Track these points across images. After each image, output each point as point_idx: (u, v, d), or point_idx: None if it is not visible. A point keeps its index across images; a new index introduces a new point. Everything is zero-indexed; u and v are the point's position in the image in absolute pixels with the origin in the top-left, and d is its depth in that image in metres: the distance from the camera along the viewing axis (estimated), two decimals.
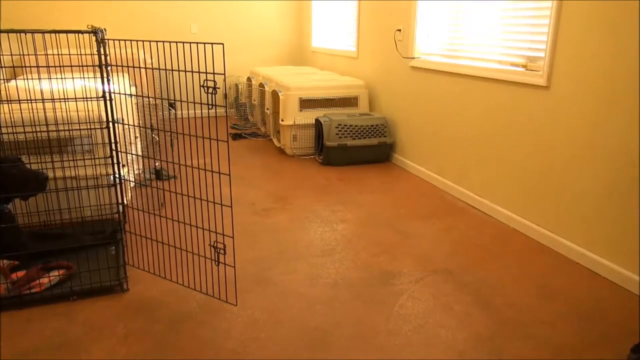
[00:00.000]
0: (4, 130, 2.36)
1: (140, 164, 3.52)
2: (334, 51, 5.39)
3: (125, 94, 2.42)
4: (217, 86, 1.69)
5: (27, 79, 2.97)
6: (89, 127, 2.54)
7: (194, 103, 1.77)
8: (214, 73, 1.70)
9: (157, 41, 1.88)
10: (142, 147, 3.75)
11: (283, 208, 3.08)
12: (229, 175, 2.21)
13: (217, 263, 2.00)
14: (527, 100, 2.65)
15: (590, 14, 2.25)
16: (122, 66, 2.04)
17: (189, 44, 5.05)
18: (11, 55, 2.19)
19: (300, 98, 4.19)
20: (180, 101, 5.18)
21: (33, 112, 2.41)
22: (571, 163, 2.42)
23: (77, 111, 2.50)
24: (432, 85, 3.51)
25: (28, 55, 2.21)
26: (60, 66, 2.24)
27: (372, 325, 1.89)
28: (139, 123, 3.76)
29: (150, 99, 4.28)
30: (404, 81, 3.89)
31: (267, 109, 4.69)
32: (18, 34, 1.80)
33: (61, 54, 2.78)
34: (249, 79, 5.40)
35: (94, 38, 1.87)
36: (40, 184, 2.15)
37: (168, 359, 1.69)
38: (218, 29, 5.99)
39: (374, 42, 4.41)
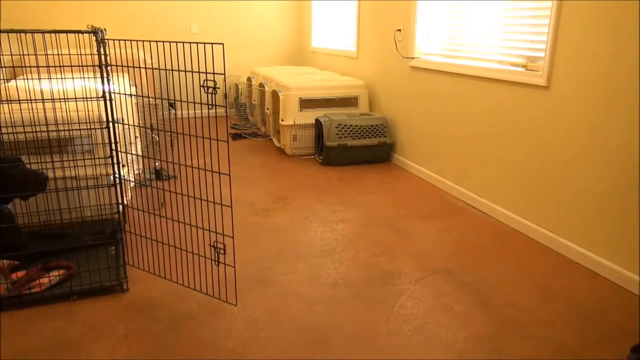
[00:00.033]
0: (4, 130, 2.36)
1: (140, 164, 3.52)
2: (334, 51, 5.39)
3: (125, 94, 2.42)
4: (217, 86, 1.69)
5: (27, 79, 2.97)
6: (89, 127, 2.54)
7: (194, 103, 1.77)
8: (214, 73, 1.70)
9: (157, 41, 1.88)
10: (142, 147, 3.75)
11: (283, 208, 3.08)
12: (229, 175, 2.21)
13: (217, 263, 2.00)
14: (527, 100, 2.65)
15: (590, 14, 2.25)
16: (122, 66, 2.04)
17: (189, 44, 5.05)
18: (11, 55, 2.19)
19: (300, 98, 4.19)
20: (180, 101, 5.18)
21: (33, 112, 2.41)
22: (571, 163, 2.42)
23: (77, 111, 2.50)
24: (432, 85, 3.51)
25: (28, 55, 2.21)
26: (60, 66, 2.24)
27: (372, 325, 1.89)
28: (139, 123, 3.76)
29: (150, 99, 4.28)
30: (404, 81, 3.89)
31: (267, 109, 4.69)
32: (18, 34, 1.80)
33: (61, 54, 2.78)
34: (249, 79, 5.40)
35: (94, 38, 1.87)
36: (40, 184, 2.15)
37: (168, 359, 1.69)
38: (218, 29, 5.99)
39: (374, 42, 4.41)
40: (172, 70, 1.85)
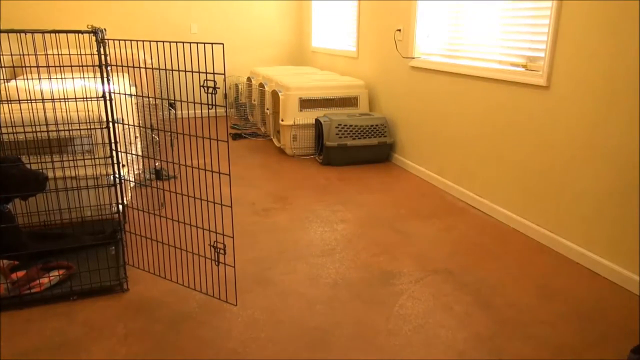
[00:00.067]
0: (4, 130, 2.36)
1: (140, 164, 3.52)
2: (334, 51, 5.39)
3: (125, 94, 2.42)
4: (217, 86, 1.69)
5: (27, 79, 2.97)
6: (89, 127, 2.54)
7: (194, 103, 1.77)
8: (214, 73, 1.70)
9: (157, 41, 1.88)
10: (142, 147, 3.75)
11: (283, 208, 3.08)
12: (229, 175, 2.21)
13: (217, 263, 2.00)
14: (527, 100, 2.65)
15: (590, 14, 2.25)
16: (122, 66, 2.04)
17: (189, 44, 5.05)
18: (11, 55, 2.19)
19: (300, 98, 4.19)
20: (180, 101, 5.18)
21: (33, 112, 2.41)
22: (571, 163, 2.42)
23: (77, 111, 2.50)
24: (432, 85, 3.51)
25: (28, 55, 2.21)
26: (60, 66, 2.24)
27: (372, 325, 1.89)
28: (139, 123, 3.76)
29: (150, 99, 4.28)
30: (404, 81, 3.89)
31: (267, 109, 4.69)
32: (18, 34, 1.80)
33: (61, 54, 2.78)
34: (249, 79, 5.40)
35: (94, 38, 1.87)
36: (40, 184, 2.15)
37: (168, 359, 1.69)
38: (218, 29, 5.99)
39: (374, 42, 4.41)
40: (172, 70, 1.85)
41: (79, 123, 2.51)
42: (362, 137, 3.99)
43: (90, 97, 2.44)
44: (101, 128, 2.53)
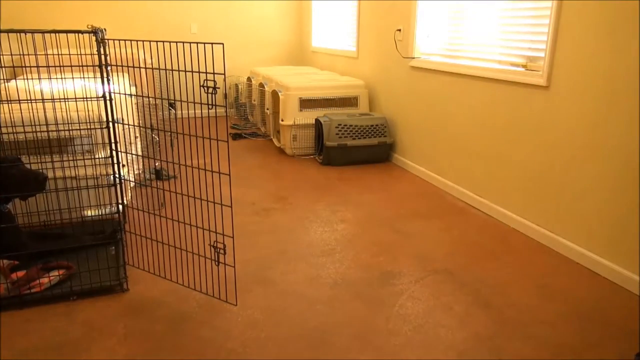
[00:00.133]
0: (4, 130, 2.36)
1: (140, 164, 3.52)
2: (334, 51, 5.39)
3: (125, 94, 2.42)
4: (217, 86, 1.69)
5: (27, 79, 2.97)
6: (89, 127, 2.54)
7: (194, 103, 1.77)
8: (214, 73, 1.70)
9: (157, 41, 1.88)
10: (142, 147, 3.75)
11: (283, 208, 3.08)
12: (229, 175, 2.21)
13: (217, 263, 2.00)
14: (527, 100, 2.65)
15: (590, 14, 2.25)
16: (122, 66, 2.04)
17: (189, 44, 5.05)
18: (11, 55, 2.18)
19: (300, 98, 4.19)
20: (180, 101, 5.18)
21: (33, 112, 2.41)
22: (571, 163, 2.42)
23: (77, 111, 2.50)
24: (432, 85, 3.51)
25: (28, 55, 2.21)
26: (60, 66, 2.24)
27: (372, 325, 1.89)
28: (139, 123, 3.76)
29: (150, 99, 4.28)
30: (404, 81, 3.90)
31: (267, 109, 4.69)
32: (18, 34, 1.80)
33: (61, 54, 2.78)
34: (249, 79, 5.40)
35: (94, 38, 1.87)
36: (39, 184, 2.15)
37: (168, 359, 1.69)
38: (218, 29, 5.99)
39: (374, 42, 4.41)
40: (172, 70, 1.85)
41: (79, 123, 2.51)
42: (362, 137, 3.99)
43: (90, 97, 2.44)
44: (101, 128, 2.53)
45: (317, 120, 4.13)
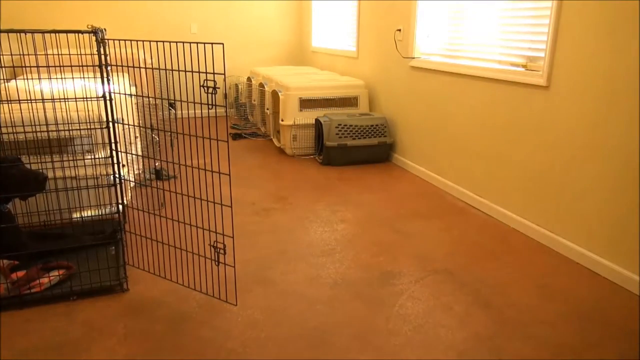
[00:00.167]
0: (4, 130, 2.36)
1: (140, 164, 3.52)
2: (334, 51, 5.39)
3: (125, 94, 2.42)
4: (217, 86, 1.69)
5: (27, 79, 2.97)
6: (89, 127, 2.54)
7: (194, 103, 1.77)
8: (214, 73, 1.70)
9: (157, 41, 1.88)
10: (142, 147, 3.75)
11: (283, 208, 3.08)
12: (229, 175, 2.21)
13: (217, 263, 2.00)
14: (527, 100, 2.65)
15: (590, 14, 2.25)
16: (122, 66, 2.04)
17: (189, 44, 5.05)
18: (11, 55, 2.18)
19: (300, 98, 4.19)
20: (180, 101, 5.18)
21: (33, 112, 2.41)
22: (571, 163, 2.42)
23: (77, 111, 2.50)
24: (432, 85, 3.51)
25: (28, 55, 2.21)
26: (60, 66, 2.24)
27: (372, 325, 1.89)
28: (139, 123, 3.76)
29: (150, 99, 4.28)
30: (404, 81, 3.90)
31: (267, 109, 4.69)
32: (18, 34, 1.80)
33: (61, 54, 2.78)
34: (249, 79, 5.40)
35: (94, 38, 1.87)
36: (39, 184, 2.15)
37: (168, 359, 1.69)
38: (218, 29, 5.99)
39: (374, 42, 4.41)
40: (172, 70, 1.85)
41: (79, 123, 2.51)
42: (362, 137, 3.99)
43: (90, 97, 2.44)
44: (101, 128, 2.53)
45: (317, 120, 4.13)
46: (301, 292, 2.12)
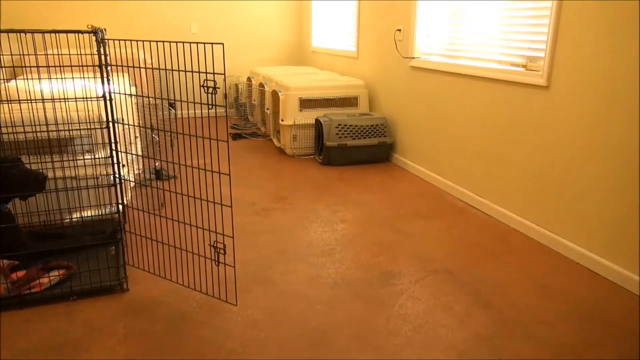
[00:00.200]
0: (4, 130, 2.36)
1: (140, 164, 3.52)
2: (334, 51, 5.39)
3: (125, 94, 2.42)
4: (217, 86, 1.69)
5: (27, 79, 2.97)
6: (89, 127, 2.54)
7: (194, 103, 1.77)
8: (214, 73, 1.70)
9: (157, 41, 1.88)
10: (142, 147, 3.75)
11: (283, 208, 3.08)
12: (229, 175, 2.21)
13: (217, 263, 2.00)
14: (527, 100, 2.65)
15: (590, 14, 2.25)
16: (122, 66, 2.04)
17: (188, 44, 5.05)
18: (11, 55, 2.18)
19: (300, 98, 4.19)
20: (180, 101, 5.18)
21: (33, 112, 2.41)
22: (571, 163, 2.42)
23: (77, 111, 2.50)
24: (432, 85, 3.51)
25: (28, 55, 2.21)
26: (60, 66, 2.24)
27: (372, 325, 1.89)
28: (139, 123, 3.76)
29: (150, 99, 4.28)
30: (404, 81, 3.90)
31: (267, 109, 4.69)
32: (18, 34, 1.80)
33: (61, 54, 2.78)
34: (249, 79, 5.41)
35: (94, 38, 1.87)
36: (39, 184, 2.15)
37: (168, 359, 1.69)
38: (218, 29, 5.99)
39: (374, 42, 4.41)
40: (172, 70, 1.85)
41: (79, 123, 2.51)
42: (362, 137, 3.99)
43: (90, 97, 2.44)
44: (101, 128, 2.53)
45: (317, 120, 4.13)
46: (301, 292, 2.12)
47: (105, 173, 2.64)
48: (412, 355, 1.72)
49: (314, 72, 5.03)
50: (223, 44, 1.86)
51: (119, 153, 2.10)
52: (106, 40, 1.91)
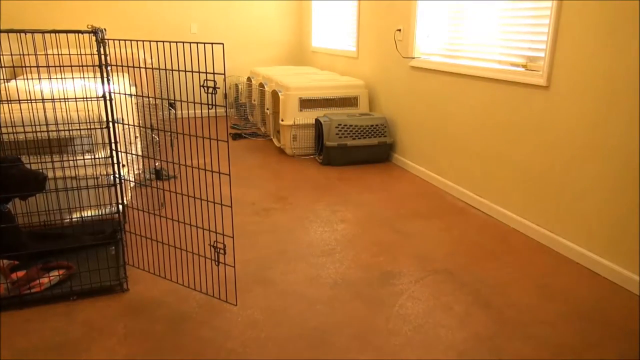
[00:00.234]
0: (4, 130, 2.36)
1: (140, 164, 3.52)
2: (334, 51, 5.39)
3: (125, 94, 2.42)
4: (217, 86, 1.69)
5: (27, 79, 2.97)
6: (89, 127, 2.54)
7: (194, 103, 1.77)
8: (214, 73, 1.70)
9: (157, 41, 1.88)
10: (142, 147, 3.75)
11: (283, 208, 3.08)
12: (229, 175, 2.21)
13: (217, 263, 2.00)
14: (527, 100, 2.65)
15: (590, 14, 2.25)
16: (122, 66, 2.04)
17: (188, 44, 5.05)
18: (11, 55, 2.18)
19: (300, 98, 4.19)
20: (180, 101, 5.18)
21: (33, 112, 2.41)
22: (571, 163, 2.42)
23: (77, 111, 2.50)
24: (432, 85, 3.51)
25: (28, 55, 2.21)
26: (60, 66, 2.24)
27: (372, 325, 1.89)
28: (139, 123, 3.76)
29: (150, 99, 4.28)
30: (404, 81, 3.90)
31: (267, 109, 4.69)
32: (18, 34, 1.80)
33: (61, 54, 2.78)
34: (249, 79, 5.41)
35: (94, 38, 1.87)
36: (39, 184, 2.15)
37: (168, 359, 1.69)
38: (218, 29, 5.99)
39: (374, 42, 4.41)
40: (172, 70, 1.85)
41: (79, 123, 2.51)
42: (362, 137, 3.99)
43: (90, 97, 2.44)
44: (101, 128, 2.53)
45: (317, 120, 4.13)
46: (301, 292, 2.12)
47: (105, 173, 2.64)
48: (412, 355, 1.72)
49: (314, 72, 5.03)
50: (223, 44, 1.86)
51: (119, 153, 2.10)
52: (106, 40, 1.91)
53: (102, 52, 1.89)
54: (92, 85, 2.95)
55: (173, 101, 5.38)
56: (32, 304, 1.99)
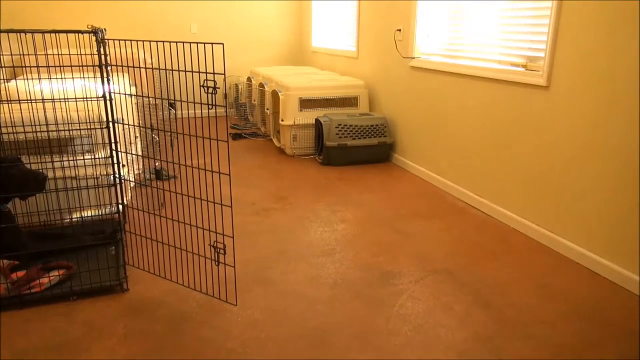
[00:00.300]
0: (4, 130, 2.36)
1: (140, 164, 3.52)
2: (334, 51, 5.39)
3: (125, 94, 2.42)
4: (217, 86, 1.69)
5: (27, 79, 2.97)
6: (89, 127, 2.54)
7: (194, 103, 1.77)
8: (214, 73, 1.70)
9: (157, 41, 1.88)
10: (142, 147, 3.75)
11: (283, 208, 3.08)
12: (229, 175, 2.21)
13: (217, 263, 2.00)
14: (527, 100, 2.65)
15: (590, 14, 2.25)
16: (122, 66, 2.04)
17: (188, 44, 5.05)
18: (11, 55, 2.19)
19: (300, 98, 4.19)
20: (180, 101, 5.18)
21: (33, 112, 2.41)
22: (571, 163, 2.42)
23: (77, 111, 2.50)
24: (432, 85, 3.51)
25: (28, 55, 2.21)
26: (60, 66, 2.24)
27: (372, 325, 1.89)
28: (139, 123, 3.76)
29: (150, 99, 4.28)
30: (404, 81, 3.90)
31: (267, 109, 4.69)
32: (18, 34, 1.80)
33: (61, 54, 2.78)
34: (249, 79, 5.41)
35: (94, 38, 1.87)
36: (39, 184, 2.15)
37: (168, 359, 1.69)
38: (218, 29, 5.99)
39: (374, 42, 4.41)
40: (172, 70, 1.85)
41: (79, 123, 2.51)
42: (362, 137, 3.99)
43: (90, 97, 2.44)
44: (101, 128, 2.53)
45: (317, 120, 4.13)
46: (301, 292, 2.12)
47: (105, 173, 2.64)
48: (412, 355, 1.72)
49: (314, 72, 5.03)
50: (223, 44, 1.86)
51: (119, 153, 2.10)
52: (106, 40, 1.91)
53: (102, 52, 1.89)
54: (92, 85, 2.95)
55: (173, 101, 5.38)
56: (32, 304, 1.99)
